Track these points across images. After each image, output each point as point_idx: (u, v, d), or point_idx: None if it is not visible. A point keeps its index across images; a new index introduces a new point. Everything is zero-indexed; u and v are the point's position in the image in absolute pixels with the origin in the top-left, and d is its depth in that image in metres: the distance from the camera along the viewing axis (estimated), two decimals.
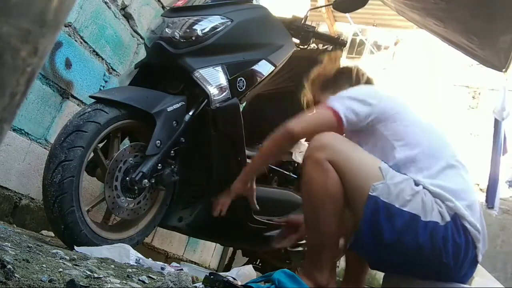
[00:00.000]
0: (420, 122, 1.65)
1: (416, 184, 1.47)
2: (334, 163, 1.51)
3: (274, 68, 2.08)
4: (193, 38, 1.87)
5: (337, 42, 2.40)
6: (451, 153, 1.57)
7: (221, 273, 1.74)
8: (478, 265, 1.95)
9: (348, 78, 1.88)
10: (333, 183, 1.50)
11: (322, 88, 1.91)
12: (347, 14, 6.10)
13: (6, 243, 1.25)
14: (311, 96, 1.95)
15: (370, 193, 1.45)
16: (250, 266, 2.18)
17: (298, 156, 2.51)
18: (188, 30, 1.88)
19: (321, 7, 4.88)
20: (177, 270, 1.69)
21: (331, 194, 1.50)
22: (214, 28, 1.89)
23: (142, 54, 2.50)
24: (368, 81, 1.90)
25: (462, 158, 1.58)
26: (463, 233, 1.43)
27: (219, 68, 1.89)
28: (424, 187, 1.47)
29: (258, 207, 1.98)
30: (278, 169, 2.51)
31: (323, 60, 1.99)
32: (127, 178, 1.72)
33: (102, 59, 2.43)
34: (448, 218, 1.42)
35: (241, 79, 1.94)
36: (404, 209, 1.42)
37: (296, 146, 2.50)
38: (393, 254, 1.49)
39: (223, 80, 1.88)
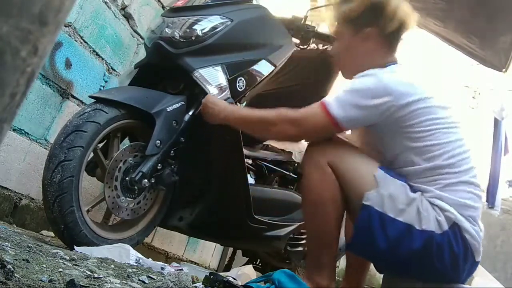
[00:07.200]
0: (445, 121, 1.49)
1: (414, 190, 1.46)
2: (333, 167, 1.51)
3: (274, 68, 2.07)
4: (193, 38, 1.87)
5: None
6: (470, 167, 1.49)
7: (221, 273, 1.74)
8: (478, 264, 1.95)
9: (376, 16, 1.60)
10: (332, 187, 1.51)
11: (345, 21, 1.66)
12: None
13: (6, 243, 1.25)
14: (332, 25, 1.74)
15: (363, 202, 1.45)
16: (250, 266, 2.18)
17: (297, 156, 2.51)
18: (188, 30, 1.88)
19: (321, 7, 4.87)
20: (177, 270, 1.69)
21: (330, 198, 1.51)
22: (214, 28, 1.89)
23: (142, 54, 2.50)
24: (402, 25, 1.60)
25: (476, 173, 1.51)
26: (462, 243, 1.42)
27: (218, 68, 1.89)
28: (423, 195, 1.46)
29: None
30: (277, 169, 2.52)
31: None
32: (127, 178, 1.72)
33: (102, 59, 2.43)
34: (446, 227, 1.41)
35: (241, 79, 1.94)
36: (398, 218, 1.42)
37: (296, 146, 2.50)
38: (388, 260, 1.52)
39: (222, 80, 1.88)
